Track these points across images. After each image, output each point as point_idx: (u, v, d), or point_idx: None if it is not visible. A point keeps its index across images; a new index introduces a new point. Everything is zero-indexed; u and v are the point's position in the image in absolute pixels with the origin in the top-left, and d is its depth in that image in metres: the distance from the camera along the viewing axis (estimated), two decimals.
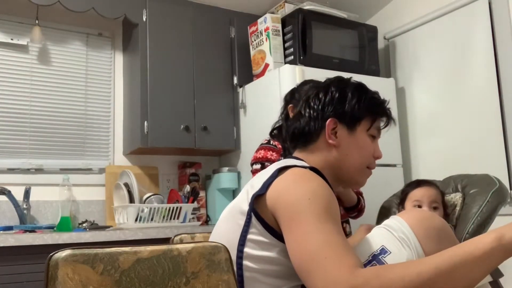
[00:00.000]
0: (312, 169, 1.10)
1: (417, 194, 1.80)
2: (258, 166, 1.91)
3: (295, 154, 1.24)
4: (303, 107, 1.23)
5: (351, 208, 1.83)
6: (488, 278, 1.35)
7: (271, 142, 1.93)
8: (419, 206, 1.76)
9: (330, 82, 1.25)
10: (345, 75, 1.39)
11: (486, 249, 0.83)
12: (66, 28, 2.83)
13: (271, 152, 1.91)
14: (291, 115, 1.89)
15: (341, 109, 1.18)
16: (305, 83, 1.97)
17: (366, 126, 1.20)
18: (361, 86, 1.24)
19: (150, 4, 2.72)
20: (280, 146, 1.89)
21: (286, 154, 1.39)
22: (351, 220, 1.92)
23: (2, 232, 2.20)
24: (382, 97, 1.26)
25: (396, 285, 0.83)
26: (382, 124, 1.25)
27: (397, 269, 0.86)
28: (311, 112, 1.20)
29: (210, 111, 2.83)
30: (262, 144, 1.97)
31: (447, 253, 0.85)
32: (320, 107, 1.20)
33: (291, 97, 1.95)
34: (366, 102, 1.20)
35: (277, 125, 1.95)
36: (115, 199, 2.67)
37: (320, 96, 1.21)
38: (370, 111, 1.21)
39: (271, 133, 1.93)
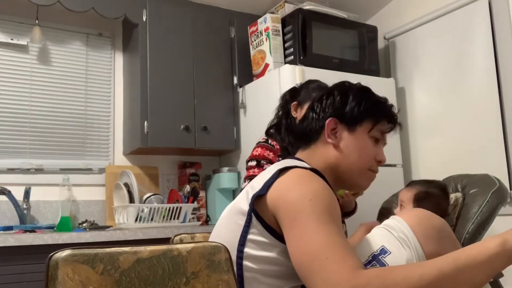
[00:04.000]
0: (313, 170, 1.10)
1: (400, 195, 1.80)
2: (253, 163, 1.90)
3: (297, 155, 1.25)
4: (309, 110, 1.27)
5: (346, 213, 1.84)
6: None
7: (269, 141, 1.93)
8: (401, 206, 1.76)
9: (335, 86, 1.28)
10: (345, 75, 1.39)
11: (490, 254, 0.83)
12: (66, 28, 2.83)
13: (268, 151, 1.90)
14: (293, 113, 1.89)
15: (342, 110, 1.19)
16: (310, 82, 1.98)
17: (367, 128, 1.19)
18: (364, 89, 1.24)
19: (150, 4, 2.72)
20: (278, 146, 1.89)
21: (285, 154, 1.38)
22: (347, 219, 1.92)
23: (2, 232, 2.20)
24: (389, 103, 1.25)
25: (398, 286, 0.83)
26: (386, 127, 1.23)
27: (399, 270, 0.86)
28: (313, 114, 1.24)
29: (210, 111, 2.83)
30: (259, 142, 1.95)
31: (450, 257, 0.85)
32: (322, 108, 1.23)
33: (291, 96, 1.95)
34: (368, 104, 1.20)
35: (273, 123, 1.95)
36: (115, 199, 2.67)
37: (323, 98, 1.25)
38: (372, 113, 1.20)
39: (267, 132, 1.93)
